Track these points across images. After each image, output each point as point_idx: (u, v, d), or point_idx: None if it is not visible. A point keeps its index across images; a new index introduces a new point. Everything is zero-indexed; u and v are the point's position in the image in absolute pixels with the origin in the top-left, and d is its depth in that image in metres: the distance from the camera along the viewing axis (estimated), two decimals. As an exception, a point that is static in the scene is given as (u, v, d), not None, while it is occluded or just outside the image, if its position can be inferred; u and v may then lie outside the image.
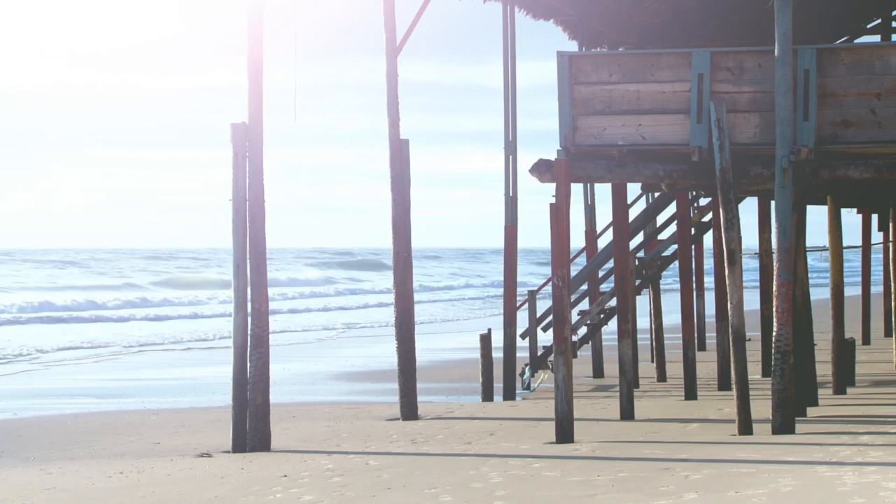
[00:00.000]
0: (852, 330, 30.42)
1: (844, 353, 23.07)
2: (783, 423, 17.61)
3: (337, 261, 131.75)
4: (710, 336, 29.55)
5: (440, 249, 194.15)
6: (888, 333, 35.38)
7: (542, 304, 27.62)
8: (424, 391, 24.33)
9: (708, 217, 26.38)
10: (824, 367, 23.85)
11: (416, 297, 75.44)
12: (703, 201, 27.79)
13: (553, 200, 18.80)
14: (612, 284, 25.23)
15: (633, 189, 24.30)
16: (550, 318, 25.23)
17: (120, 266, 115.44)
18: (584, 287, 27.85)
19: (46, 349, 39.03)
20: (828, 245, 23.81)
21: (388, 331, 37.20)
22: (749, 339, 21.05)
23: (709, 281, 30.79)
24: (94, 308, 62.14)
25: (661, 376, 27.18)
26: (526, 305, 26.98)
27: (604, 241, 28.15)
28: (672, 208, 25.14)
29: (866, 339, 34.41)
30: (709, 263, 33.10)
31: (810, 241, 25.71)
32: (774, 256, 18.06)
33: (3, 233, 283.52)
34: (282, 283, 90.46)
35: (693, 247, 25.36)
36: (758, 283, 26.52)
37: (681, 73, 18.11)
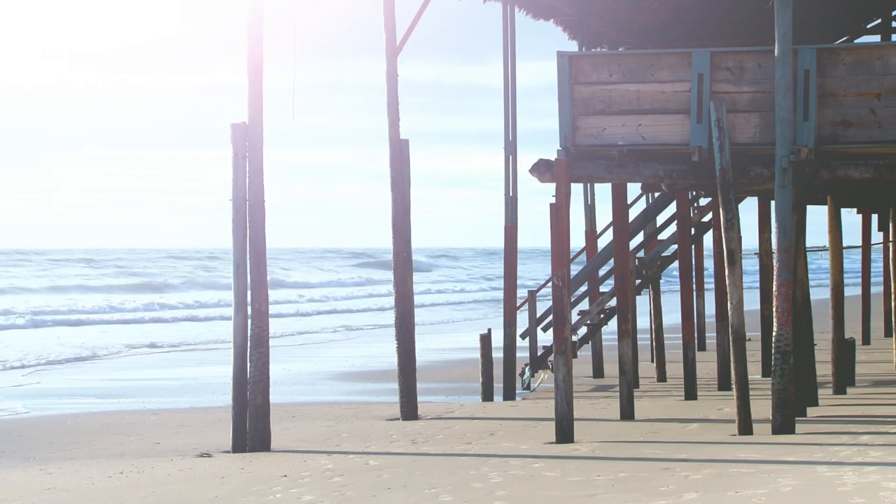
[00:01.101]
0: (852, 330, 30.41)
1: (844, 353, 23.07)
2: (783, 423, 17.62)
3: (359, 262, 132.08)
4: (710, 336, 29.55)
5: (447, 249, 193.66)
6: (888, 333, 35.38)
7: (543, 305, 27.62)
8: (424, 391, 24.33)
9: (708, 217, 26.39)
10: (824, 367, 23.85)
11: (456, 297, 75.95)
12: (703, 201, 27.80)
13: (553, 200, 18.80)
14: (612, 284, 25.23)
15: (633, 189, 24.33)
16: (550, 318, 25.24)
17: (156, 266, 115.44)
18: (585, 287, 27.85)
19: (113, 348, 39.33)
20: (828, 245, 23.81)
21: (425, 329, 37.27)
22: (749, 339, 21.04)
23: (709, 281, 30.79)
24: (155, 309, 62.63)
25: (661, 376, 27.19)
26: (526, 305, 27.00)
27: (604, 241, 28.16)
28: (672, 208, 25.14)
29: (866, 339, 34.41)
30: (709, 263, 33.11)
31: (810, 241, 25.71)
32: (774, 256, 18.07)
33: (3, 233, 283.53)
34: (347, 283, 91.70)
35: (693, 247, 25.36)
36: (758, 283, 26.52)
37: (681, 73, 18.12)
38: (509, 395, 24.90)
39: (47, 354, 36.63)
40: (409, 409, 21.75)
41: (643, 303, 31.56)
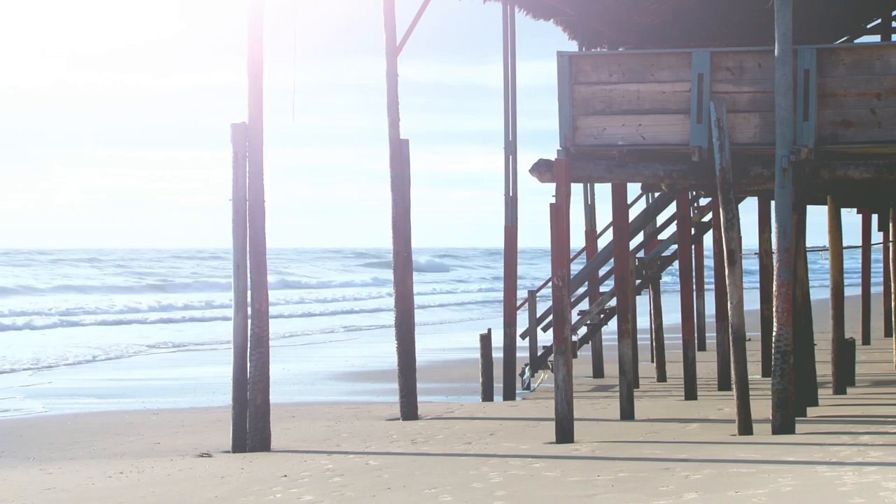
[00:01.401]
0: (852, 330, 30.41)
1: (844, 353, 23.07)
2: (783, 423, 17.62)
3: (363, 262, 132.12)
4: (710, 336, 29.55)
5: (448, 249, 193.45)
6: (888, 333, 35.38)
7: (543, 305, 27.62)
8: (424, 391, 24.33)
9: (708, 217, 26.38)
10: (824, 367, 23.85)
11: (468, 297, 76.30)
12: (703, 201, 27.80)
13: (553, 200, 18.80)
14: (612, 284, 25.23)
15: (633, 189, 24.33)
16: (550, 318, 25.23)
17: (160, 266, 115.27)
18: (585, 287, 27.85)
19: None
20: (828, 245, 23.81)
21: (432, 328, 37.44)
22: (749, 339, 21.05)
23: (709, 281, 30.78)
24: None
25: (661, 376, 27.19)
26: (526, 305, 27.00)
27: (604, 241, 28.17)
28: (672, 208, 25.14)
29: (866, 339, 34.41)
30: (709, 263, 33.10)
31: (810, 241, 25.71)
32: (774, 256, 18.07)
33: (3, 233, 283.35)
34: (351, 284, 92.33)
35: (693, 247, 25.36)
36: (758, 283, 26.52)
37: (681, 73, 18.11)
38: (509, 395, 24.89)
39: (60, 354, 36.64)
40: (409, 409, 21.75)
41: (643, 303, 31.55)
